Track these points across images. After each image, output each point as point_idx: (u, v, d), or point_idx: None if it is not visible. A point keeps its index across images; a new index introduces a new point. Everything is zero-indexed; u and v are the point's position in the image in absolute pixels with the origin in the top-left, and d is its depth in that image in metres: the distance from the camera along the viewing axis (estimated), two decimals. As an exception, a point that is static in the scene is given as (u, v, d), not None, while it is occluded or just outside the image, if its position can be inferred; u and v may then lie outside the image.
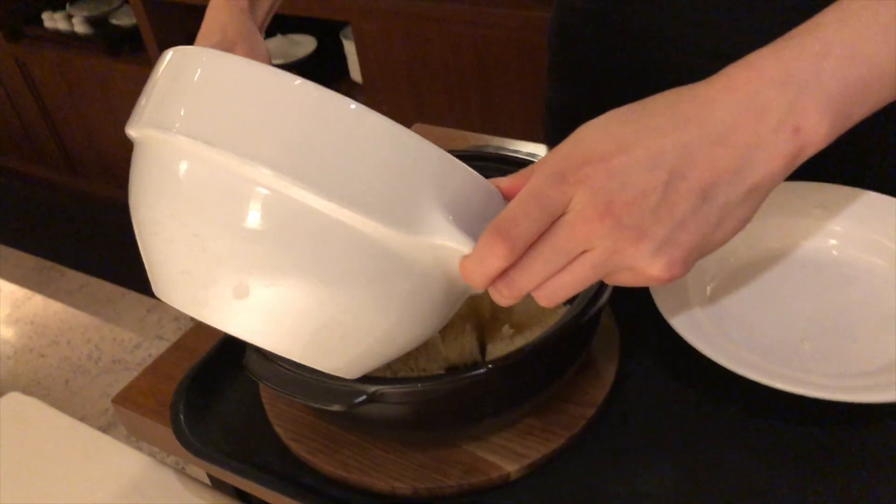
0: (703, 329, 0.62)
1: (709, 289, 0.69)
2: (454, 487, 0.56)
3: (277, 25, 2.17)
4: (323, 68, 2.02)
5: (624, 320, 0.69)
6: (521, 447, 0.58)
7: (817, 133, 0.40)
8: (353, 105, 0.38)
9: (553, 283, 0.42)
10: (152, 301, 2.36)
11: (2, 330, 2.39)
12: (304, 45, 2.11)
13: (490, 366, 0.51)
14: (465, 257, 0.41)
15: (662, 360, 0.67)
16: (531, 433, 0.59)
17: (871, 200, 0.71)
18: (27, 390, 2.24)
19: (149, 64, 2.21)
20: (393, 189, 0.39)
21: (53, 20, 2.46)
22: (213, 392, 0.69)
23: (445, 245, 0.40)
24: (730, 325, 0.65)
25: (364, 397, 0.50)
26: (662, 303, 0.63)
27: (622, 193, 0.39)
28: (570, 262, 0.41)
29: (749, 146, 0.40)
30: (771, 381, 0.56)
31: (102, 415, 2.04)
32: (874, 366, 0.60)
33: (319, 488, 0.59)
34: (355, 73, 1.95)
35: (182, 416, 0.65)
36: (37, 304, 2.47)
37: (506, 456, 0.58)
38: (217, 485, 0.77)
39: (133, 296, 2.45)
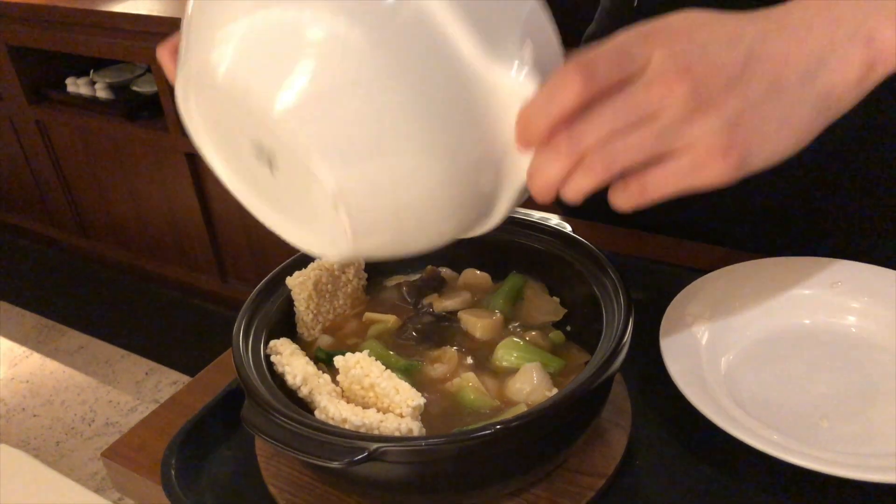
0: (718, 402, 0.60)
1: (724, 361, 0.67)
2: (455, 558, 0.53)
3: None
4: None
5: (636, 389, 0.67)
6: (526, 518, 0.55)
7: (891, 44, 0.40)
8: None
9: (613, 145, 0.39)
10: (151, 364, 2.33)
11: (-4, 388, 2.35)
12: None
13: (499, 426, 0.49)
14: (534, 95, 0.40)
15: (675, 431, 0.64)
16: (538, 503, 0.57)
17: (887, 276, 0.70)
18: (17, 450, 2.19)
19: (166, 129, 2.25)
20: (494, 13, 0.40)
21: (76, 85, 2.53)
22: (207, 449, 0.66)
23: (518, 82, 0.40)
24: (745, 399, 0.63)
25: (365, 454, 0.48)
26: (677, 373, 0.61)
27: (701, 61, 0.39)
28: (636, 125, 0.39)
29: (823, 48, 0.40)
30: (788, 457, 0.54)
31: (91, 478, 1.99)
32: (894, 445, 0.57)
33: (312, 554, 0.56)
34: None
35: (173, 473, 0.62)
36: (34, 362, 2.44)
37: (510, 526, 0.55)
38: (204, 549, 0.73)
39: (132, 358, 2.42)
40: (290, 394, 0.58)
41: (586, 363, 0.62)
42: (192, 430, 0.67)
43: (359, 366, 0.55)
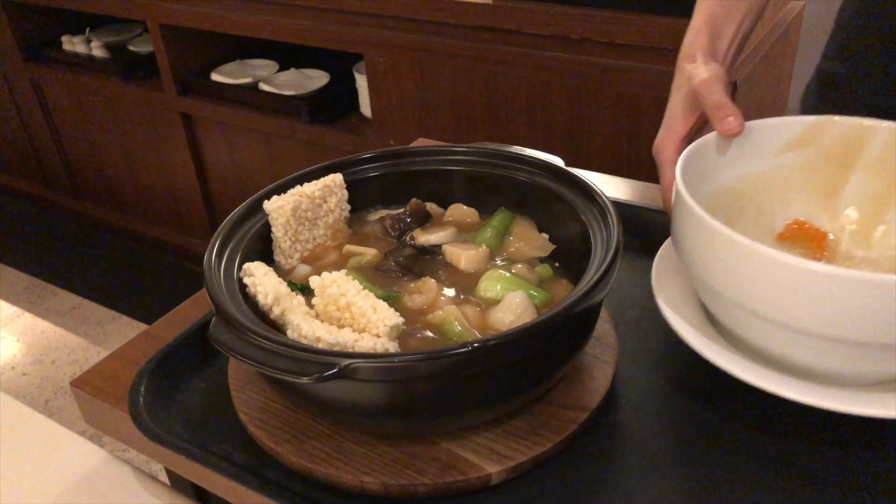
0: (708, 336, 0.58)
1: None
2: (429, 486, 0.51)
3: (292, 60, 2.19)
4: (334, 102, 2.02)
5: (624, 330, 0.64)
6: (504, 448, 0.53)
7: None
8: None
9: None
10: (142, 326, 2.31)
11: (-14, 346, 2.33)
12: (317, 79, 2.12)
13: (476, 344, 0.47)
14: None
15: (664, 368, 0.62)
16: (517, 434, 0.54)
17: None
18: (7, 407, 2.18)
19: (161, 90, 2.22)
20: None
21: (72, 44, 2.49)
22: (179, 379, 0.64)
23: None
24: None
25: (335, 369, 0.46)
26: (667, 308, 0.59)
27: None
28: None
29: None
30: (782, 391, 0.51)
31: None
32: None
33: (282, 482, 0.54)
34: (365, 107, 1.95)
35: (142, 400, 0.60)
36: (25, 322, 2.42)
37: (487, 457, 0.53)
38: (176, 484, 0.71)
39: (124, 320, 2.40)
40: (264, 317, 0.55)
41: (573, 297, 0.60)
42: (163, 359, 0.65)
43: (335, 285, 0.52)
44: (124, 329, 2.35)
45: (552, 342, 0.51)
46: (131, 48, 2.44)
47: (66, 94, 2.54)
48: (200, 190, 2.39)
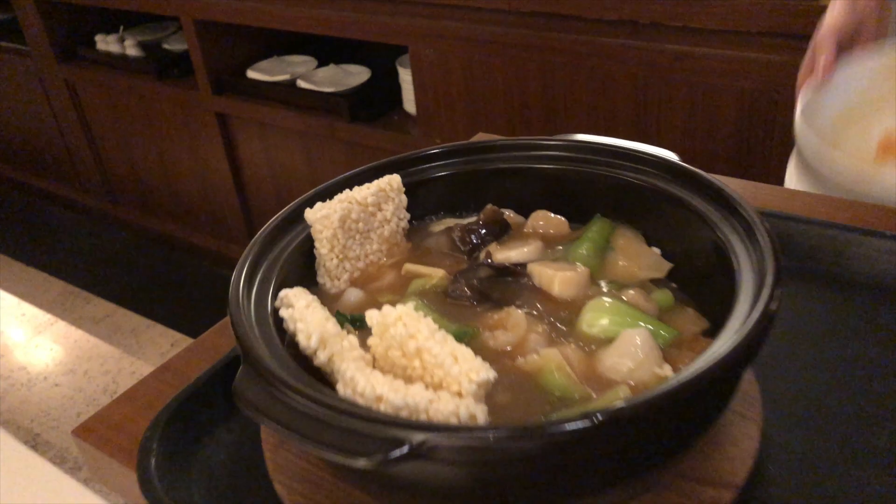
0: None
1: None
2: None
3: (331, 55, 2.07)
4: (376, 99, 1.90)
5: (768, 381, 0.50)
6: (628, 544, 0.40)
7: None
8: None
9: None
10: (177, 335, 2.22)
11: (18, 355, 2.26)
12: (358, 75, 2.00)
13: (599, 416, 0.33)
14: None
15: (817, 431, 0.48)
16: (643, 523, 0.41)
17: None
18: (36, 420, 2.10)
19: (195, 88, 2.12)
20: None
21: (106, 43, 2.41)
22: (200, 430, 0.52)
23: None
24: None
25: (406, 448, 0.32)
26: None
27: None
28: None
29: None
30: None
31: (110, 454, 1.88)
32: None
33: (329, 580, 0.41)
34: (409, 104, 1.83)
35: (153, 461, 0.48)
36: (58, 330, 2.35)
37: (605, 555, 0.39)
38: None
39: (158, 328, 2.31)
40: (306, 362, 0.42)
41: (704, 333, 0.46)
42: (182, 406, 0.52)
43: (401, 323, 0.39)
44: (158, 339, 2.26)
45: (697, 407, 0.37)
46: (166, 46, 2.37)
47: (100, 95, 2.47)
48: (237, 194, 2.29)
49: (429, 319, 0.39)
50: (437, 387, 0.38)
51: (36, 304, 2.47)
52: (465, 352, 0.38)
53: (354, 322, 0.47)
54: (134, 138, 2.49)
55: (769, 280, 0.39)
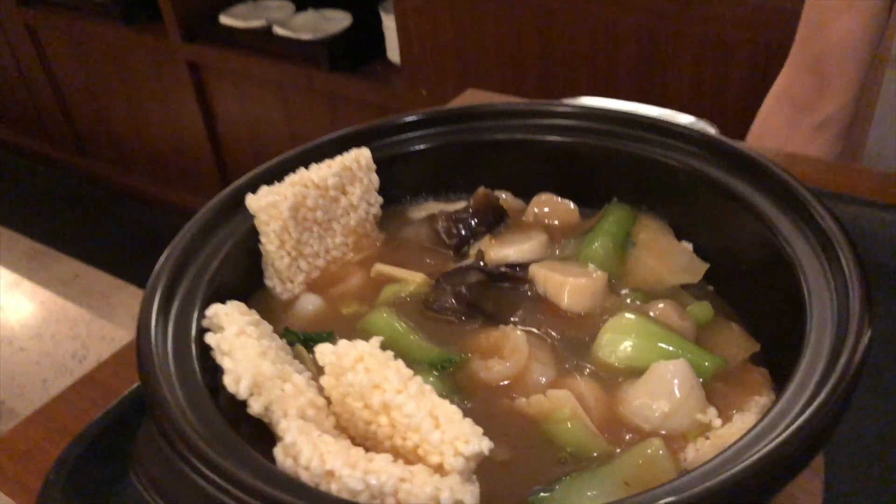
0: None
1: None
2: None
3: (310, -1, 1.93)
4: (357, 47, 1.77)
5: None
6: None
7: None
8: None
9: None
10: (150, 298, 2.12)
11: (-18, 318, 2.16)
12: (338, 20, 1.86)
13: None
14: None
15: (882, 477, 0.38)
16: None
17: None
18: (1, 387, 2.01)
19: (166, 36, 1.98)
20: None
21: (68, -17, 2.25)
22: (119, 469, 0.42)
23: None
24: None
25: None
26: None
27: None
28: None
29: None
30: None
31: (78, 424, 1.80)
32: None
33: None
34: (393, 52, 1.70)
35: (56, 513, 0.38)
36: (24, 290, 2.24)
37: None
38: None
39: (130, 290, 2.20)
40: (240, 408, 0.32)
41: (753, 357, 0.36)
42: (99, 436, 0.42)
43: (362, 367, 0.29)
44: (130, 300, 2.15)
45: (765, 481, 0.28)
46: (130, -13, 2.20)
47: (65, 42, 2.31)
48: (211, 148, 2.17)
49: (399, 363, 0.29)
50: (411, 455, 0.28)
51: (0, 263, 2.36)
52: (449, 411, 0.27)
53: (308, 343, 0.36)
54: (102, 87, 2.34)
55: (854, 326, 0.29)
